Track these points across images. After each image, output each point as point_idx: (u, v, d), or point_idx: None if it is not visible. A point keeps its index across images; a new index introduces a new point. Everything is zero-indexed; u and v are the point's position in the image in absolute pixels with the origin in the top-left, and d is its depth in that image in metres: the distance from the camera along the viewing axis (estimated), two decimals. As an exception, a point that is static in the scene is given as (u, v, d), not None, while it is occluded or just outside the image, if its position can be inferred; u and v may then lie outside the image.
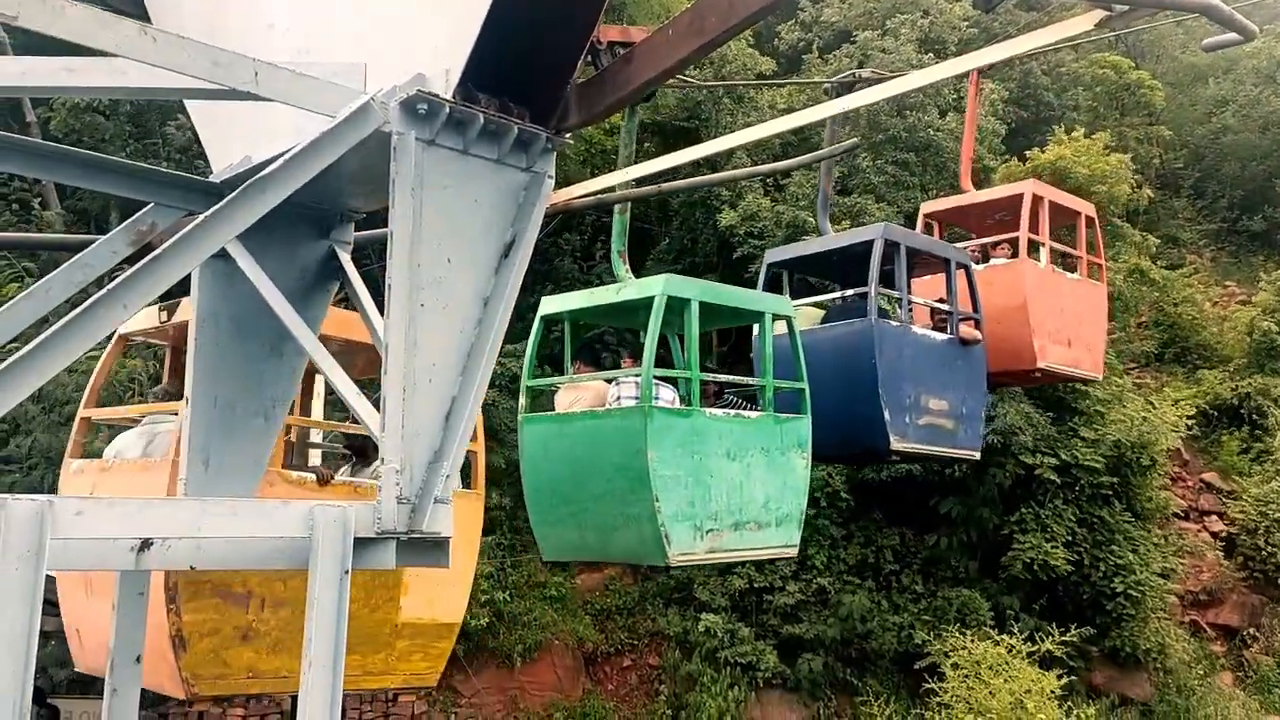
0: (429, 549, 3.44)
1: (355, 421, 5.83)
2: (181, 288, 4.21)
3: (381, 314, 3.49)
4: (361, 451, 8.06)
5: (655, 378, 7.49)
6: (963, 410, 10.08)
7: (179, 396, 7.30)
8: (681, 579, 21.96)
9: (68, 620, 7.25)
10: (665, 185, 9.92)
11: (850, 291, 9.95)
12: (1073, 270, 12.07)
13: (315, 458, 8.61)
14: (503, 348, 3.76)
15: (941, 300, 10.45)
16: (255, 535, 3.11)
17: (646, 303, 7.55)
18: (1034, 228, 11.21)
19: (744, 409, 8.46)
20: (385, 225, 3.46)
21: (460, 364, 3.57)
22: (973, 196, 12.24)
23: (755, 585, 21.12)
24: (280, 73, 3.22)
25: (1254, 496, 24.71)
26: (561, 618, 20.75)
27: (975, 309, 10.41)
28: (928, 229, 12.16)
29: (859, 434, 9.47)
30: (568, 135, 3.88)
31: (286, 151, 3.38)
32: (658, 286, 7.61)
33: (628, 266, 8.78)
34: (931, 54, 25.14)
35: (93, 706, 10.28)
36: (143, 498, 3.00)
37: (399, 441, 3.33)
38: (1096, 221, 12.52)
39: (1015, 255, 11.23)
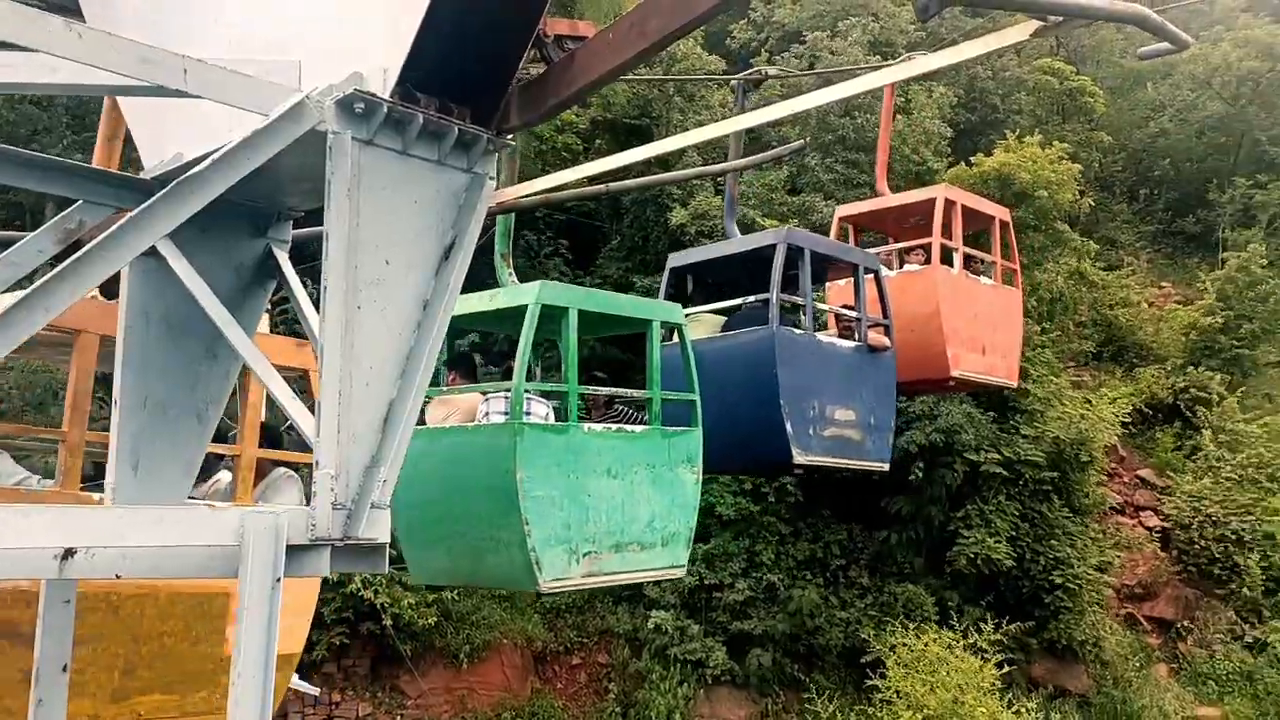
0: (365, 555, 3.39)
1: None
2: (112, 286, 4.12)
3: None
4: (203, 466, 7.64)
5: (528, 392, 7.11)
6: (871, 421, 9.70)
7: None
8: (630, 577, 21.92)
9: None
10: (614, 185, 9.78)
11: (752, 298, 9.43)
12: (988, 276, 11.81)
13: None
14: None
15: (849, 306, 10.11)
16: (183, 544, 3.04)
17: (519, 311, 7.11)
18: (947, 233, 10.91)
19: (637, 420, 8.09)
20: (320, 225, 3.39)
21: (399, 367, 3.52)
22: (887, 200, 11.98)
23: (705, 582, 21.21)
24: (211, 70, 3.14)
25: (1187, 492, 25.37)
26: (510, 616, 20.67)
27: (885, 315, 10.08)
28: (842, 233, 11.96)
29: (760, 447, 9.13)
30: (510, 136, 3.84)
31: (219, 149, 3.31)
32: (531, 294, 7.17)
33: (511, 271, 8.23)
34: (879, 56, 25.40)
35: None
36: (65, 505, 2.91)
37: (334, 446, 3.27)
38: (1011, 226, 12.30)
39: (929, 261, 10.91)
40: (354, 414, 3.34)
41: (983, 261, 11.75)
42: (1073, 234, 26.15)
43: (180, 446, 4.11)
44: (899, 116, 25.51)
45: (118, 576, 3.01)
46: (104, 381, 5.89)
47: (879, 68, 11.90)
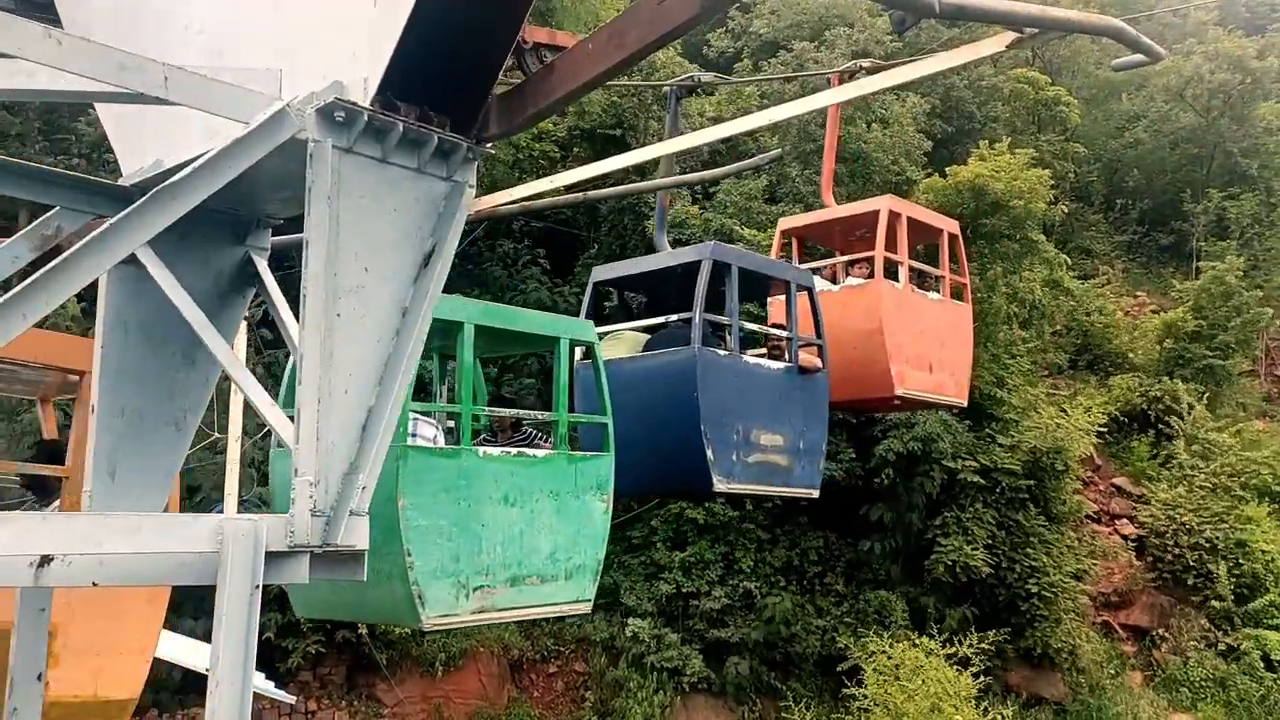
0: (344, 562, 3.40)
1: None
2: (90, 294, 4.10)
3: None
4: (42, 487, 7.36)
5: (415, 412, 6.73)
6: (800, 445, 9.25)
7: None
8: (607, 585, 21.94)
9: None
10: (592, 193, 9.82)
11: (674, 316, 8.95)
12: (937, 291, 11.37)
13: None
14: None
15: (779, 325, 9.66)
16: (161, 550, 3.04)
17: None
18: (891, 246, 10.46)
19: (542, 443, 7.69)
20: (298, 232, 3.40)
21: (378, 374, 3.53)
22: (831, 212, 11.56)
23: (683, 590, 21.23)
24: (191, 77, 3.15)
25: (1162, 500, 25.60)
26: (487, 625, 20.59)
27: (818, 334, 9.61)
28: (785, 246, 11.62)
29: (680, 473, 8.71)
30: (489, 145, 3.87)
31: (199, 157, 3.31)
32: None
33: None
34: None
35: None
36: (42, 514, 2.90)
37: (313, 453, 3.28)
38: (960, 239, 11.89)
39: (873, 275, 10.44)
40: (333, 421, 3.35)
41: (935, 277, 11.43)
42: (1047, 245, 26.42)
43: (158, 454, 4.10)
44: (875, 127, 25.67)
45: (94, 584, 3.00)
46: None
47: (853, 74, 11.77)
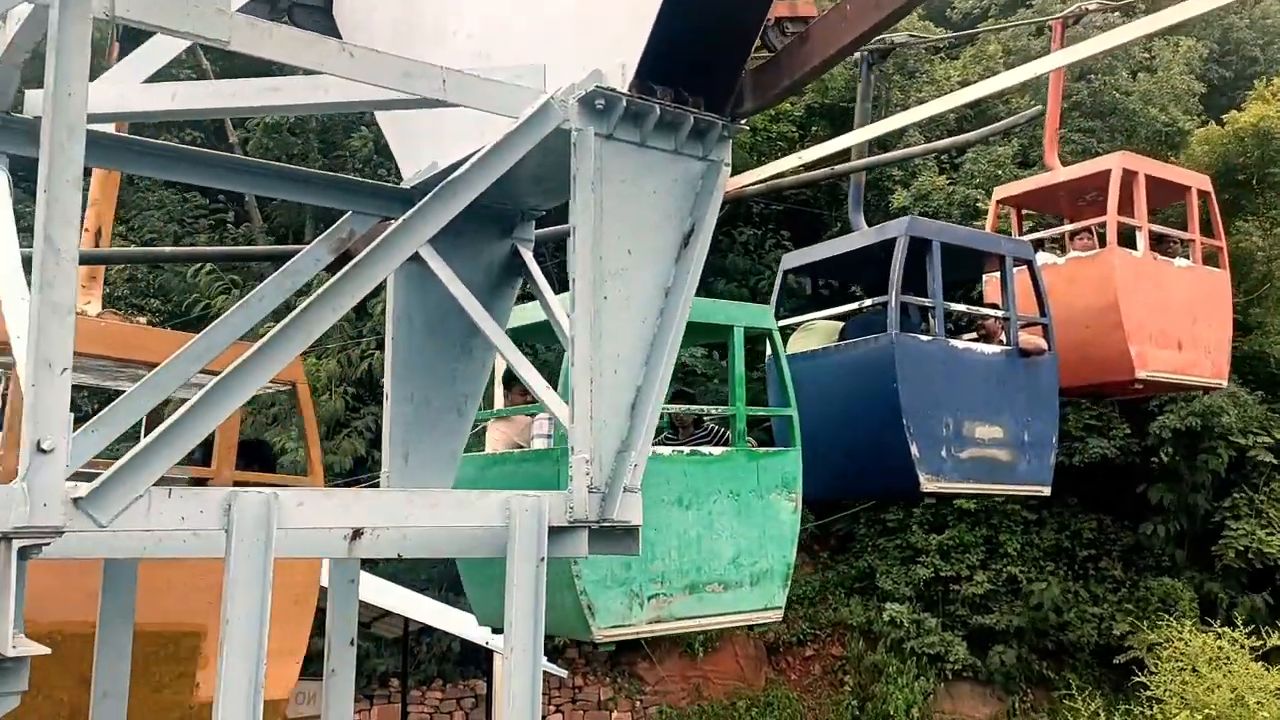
0: (620, 537, 3.50)
1: None
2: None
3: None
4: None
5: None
6: (1024, 437, 8.44)
7: None
8: (862, 568, 21.59)
9: None
10: (837, 167, 9.57)
11: (869, 301, 8.33)
12: (1185, 257, 10.16)
13: None
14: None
15: (994, 305, 8.88)
16: (455, 525, 3.25)
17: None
18: (1126, 209, 9.39)
19: (721, 440, 7.24)
20: (555, 224, 3.52)
21: (644, 354, 3.61)
22: (1054, 176, 10.42)
23: (941, 574, 20.59)
24: (467, 79, 3.34)
25: None
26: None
27: (1042, 312, 8.77)
28: (1001, 217, 10.70)
29: (883, 473, 8.04)
30: (744, 121, 3.86)
31: (472, 155, 3.51)
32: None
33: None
34: (1119, 13, 23.66)
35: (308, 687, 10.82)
36: (353, 490, 3.17)
37: (588, 431, 3.40)
38: (1213, 196, 10.52)
39: (1102, 244, 9.39)
40: (604, 400, 3.45)
41: (1181, 242, 10.19)
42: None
43: (443, 438, 4.38)
44: (1142, 75, 23.71)
45: (399, 556, 3.25)
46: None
47: (1078, 19, 10.81)
